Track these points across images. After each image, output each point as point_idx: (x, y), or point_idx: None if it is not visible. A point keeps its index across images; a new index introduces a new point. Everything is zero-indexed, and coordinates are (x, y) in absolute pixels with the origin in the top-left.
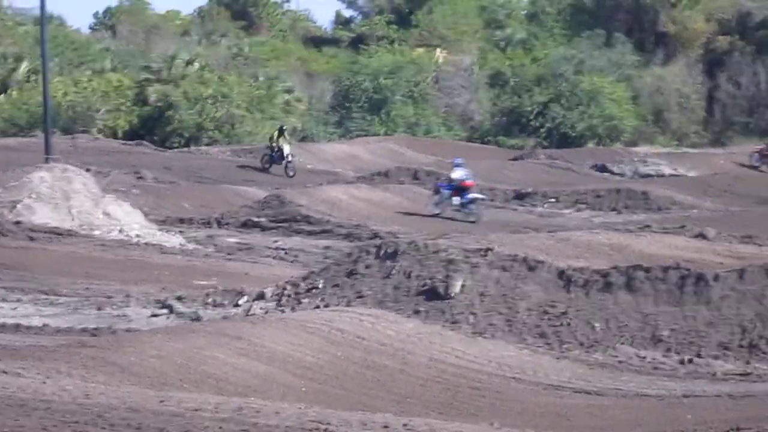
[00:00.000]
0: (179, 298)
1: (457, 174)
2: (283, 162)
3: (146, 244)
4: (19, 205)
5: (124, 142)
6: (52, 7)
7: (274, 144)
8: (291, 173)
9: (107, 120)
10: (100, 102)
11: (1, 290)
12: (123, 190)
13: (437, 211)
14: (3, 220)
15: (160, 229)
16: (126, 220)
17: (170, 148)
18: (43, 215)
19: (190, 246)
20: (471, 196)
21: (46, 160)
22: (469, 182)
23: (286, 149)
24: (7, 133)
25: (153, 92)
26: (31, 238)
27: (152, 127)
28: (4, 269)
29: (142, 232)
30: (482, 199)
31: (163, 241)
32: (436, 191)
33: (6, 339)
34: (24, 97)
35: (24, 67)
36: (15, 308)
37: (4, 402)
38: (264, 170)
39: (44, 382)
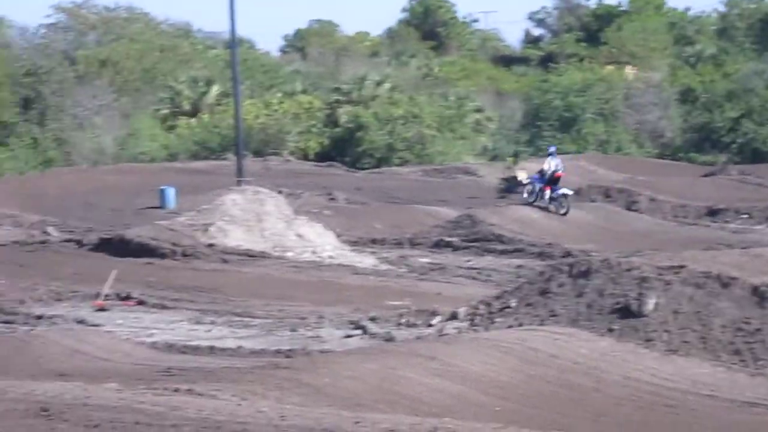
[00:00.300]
0: (372, 319)
1: (550, 164)
2: (519, 188)
3: (339, 265)
4: (212, 228)
5: (315, 163)
6: (242, 31)
7: (509, 170)
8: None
9: (298, 142)
10: (291, 124)
11: (196, 312)
12: (315, 211)
13: (531, 200)
14: (196, 242)
15: (352, 250)
16: (318, 241)
17: (361, 169)
18: (235, 238)
19: (383, 266)
20: (562, 191)
21: (239, 183)
22: (560, 173)
23: (521, 175)
24: (198, 156)
25: (343, 113)
26: (225, 261)
27: (343, 148)
28: (198, 292)
29: (334, 253)
30: (571, 194)
31: (355, 262)
32: (530, 183)
33: (201, 361)
34: (215, 121)
35: (215, 90)
36: (209, 330)
37: (200, 424)
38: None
39: (239, 404)
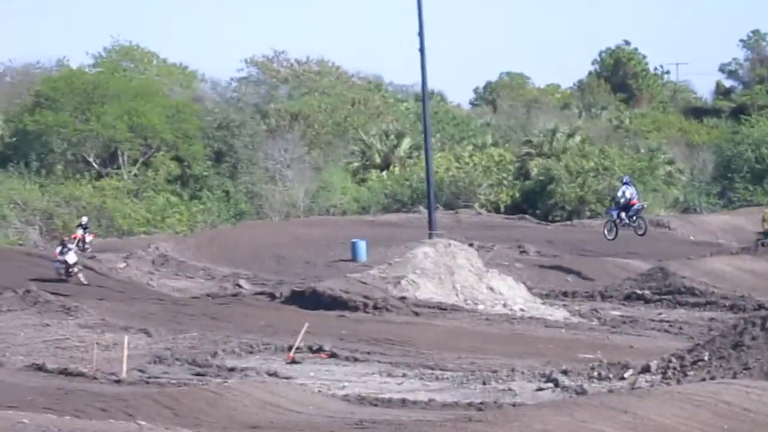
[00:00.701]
0: (564, 372)
1: (624, 193)
2: None
3: (530, 317)
4: (403, 281)
5: (506, 216)
6: (432, 84)
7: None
8: None
9: (489, 194)
10: (482, 177)
11: (387, 365)
12: (506, 264)
13: (611, 237)
14: (388, 295)
15: (543, 303)
16: (509, 294)
17: (552, 222)
18: (427, 290)
19: (574, 319)
20: (635, 207)
21: (430, 236)
22: (634, 201)
23: None
24: (389, 209)
25: (534, 166)
26: (416, 313)
27: (534, 200)
28: (390, 344)
29: (525, 306)
30: (643, 207)
31: (546, 315)
32: (606, 221)
33: (392, 414)
34: (406, 173)
35: (406, 143)
36: (401, 383)
37: None
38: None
39: None
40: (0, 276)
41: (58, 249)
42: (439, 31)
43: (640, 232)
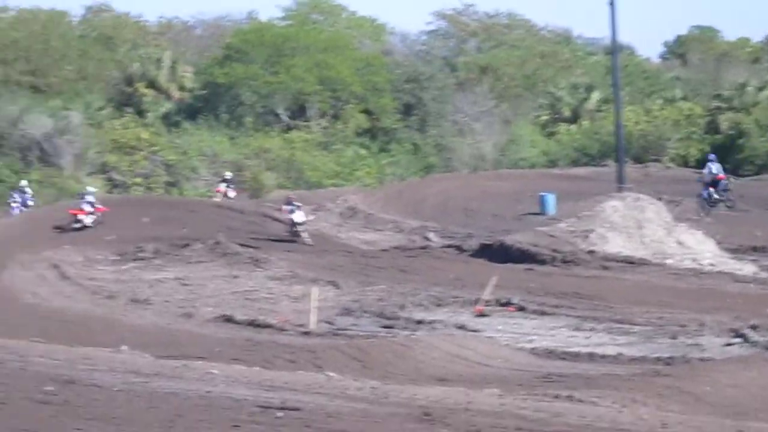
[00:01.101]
0: (753, 327)
1: (711, 169)
2: None
3: (719, 272)
4: (592, 235)
5: (695, 170)
6: (622, 37)
7: None
8: None
9: (678, 148)
10: (671, 130)
11: (576, 319)
12: (695, 218)
13: (701, 216)
14: (577, 249)
15: (732, 258)
16: (698, 248)
17: (742, 176)
18: (615, 244)
19: (764, 274)
20: (723, 182)
21: (619, 189)
22: (721, 176)
23: None
24: (578, 162)
25: (724, 120)
26: (605, 267)
27: (724, 155)
28: (578, 298)
29: (714, 261)
30: (729, 181)
31: (735, 270)
32: (699, 202)
33: (581, 367)
34: (595, 127)
35: (595, 96)
36: (589, 337)
37: (581, 430)
38: None
39: (621, 412)
40: (190, 227)
41: (287, 208)
42: None
43: (730, 205)
